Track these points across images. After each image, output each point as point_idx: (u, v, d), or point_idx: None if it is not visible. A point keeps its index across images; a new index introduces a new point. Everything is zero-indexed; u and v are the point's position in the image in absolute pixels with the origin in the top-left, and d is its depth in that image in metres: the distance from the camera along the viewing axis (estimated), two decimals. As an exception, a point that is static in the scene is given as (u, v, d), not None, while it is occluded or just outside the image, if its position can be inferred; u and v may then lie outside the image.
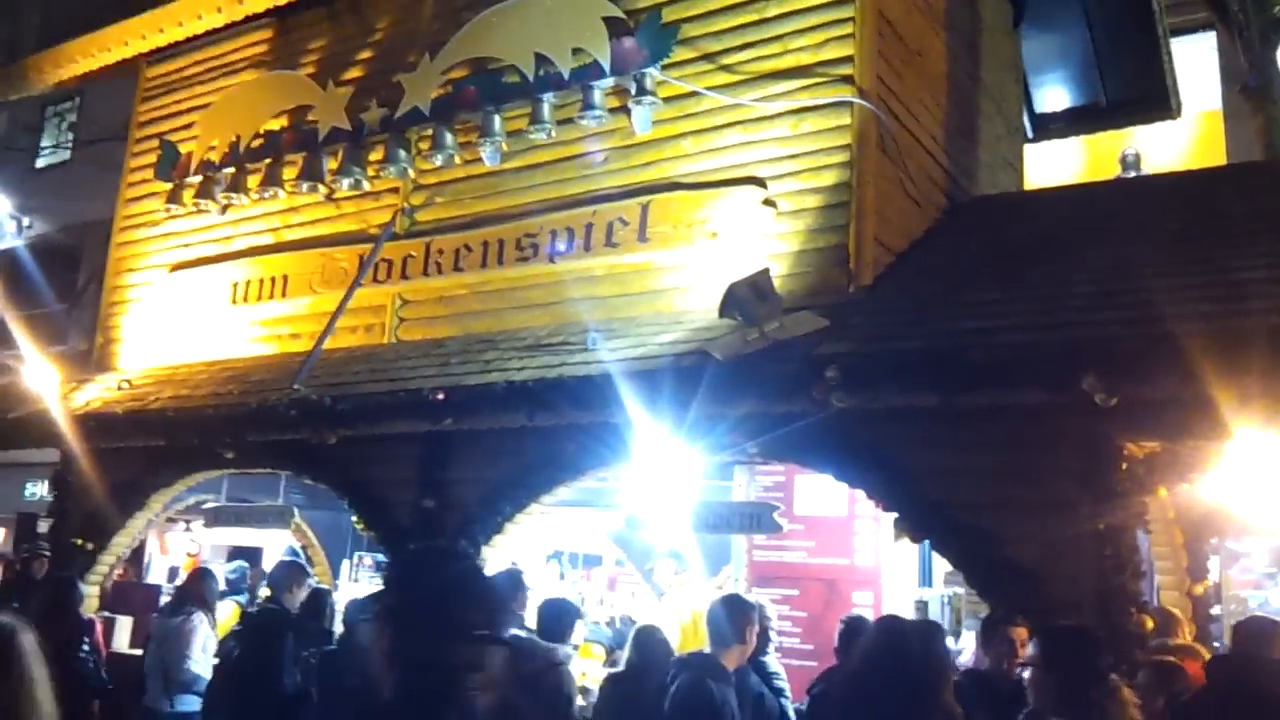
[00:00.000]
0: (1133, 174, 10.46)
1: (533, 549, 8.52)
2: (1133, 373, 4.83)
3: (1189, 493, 6.04)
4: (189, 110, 9.83)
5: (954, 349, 5.21)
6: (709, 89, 6.96)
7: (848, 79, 6.59)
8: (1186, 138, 11.20)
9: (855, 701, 2.98)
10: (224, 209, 9.18)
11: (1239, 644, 4.63)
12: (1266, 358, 4.65)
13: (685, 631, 6.65)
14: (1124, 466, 5.04)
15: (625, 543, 8.33)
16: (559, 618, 5.43)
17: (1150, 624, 5.00)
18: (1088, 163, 11.35)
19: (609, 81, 7.23)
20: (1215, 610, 6.90)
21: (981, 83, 8.09)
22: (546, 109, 7.48)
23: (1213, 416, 4.78)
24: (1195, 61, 10.98)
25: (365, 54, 8.78)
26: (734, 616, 5.00)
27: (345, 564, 9.42)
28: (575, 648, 6.65)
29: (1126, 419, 5.01)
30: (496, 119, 7.68)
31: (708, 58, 7.07)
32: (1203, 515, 6.56)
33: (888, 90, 6.79)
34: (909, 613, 6.86)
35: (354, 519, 7.30)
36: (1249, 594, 7.63)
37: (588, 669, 6.76)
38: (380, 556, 6.93)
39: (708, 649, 5.08)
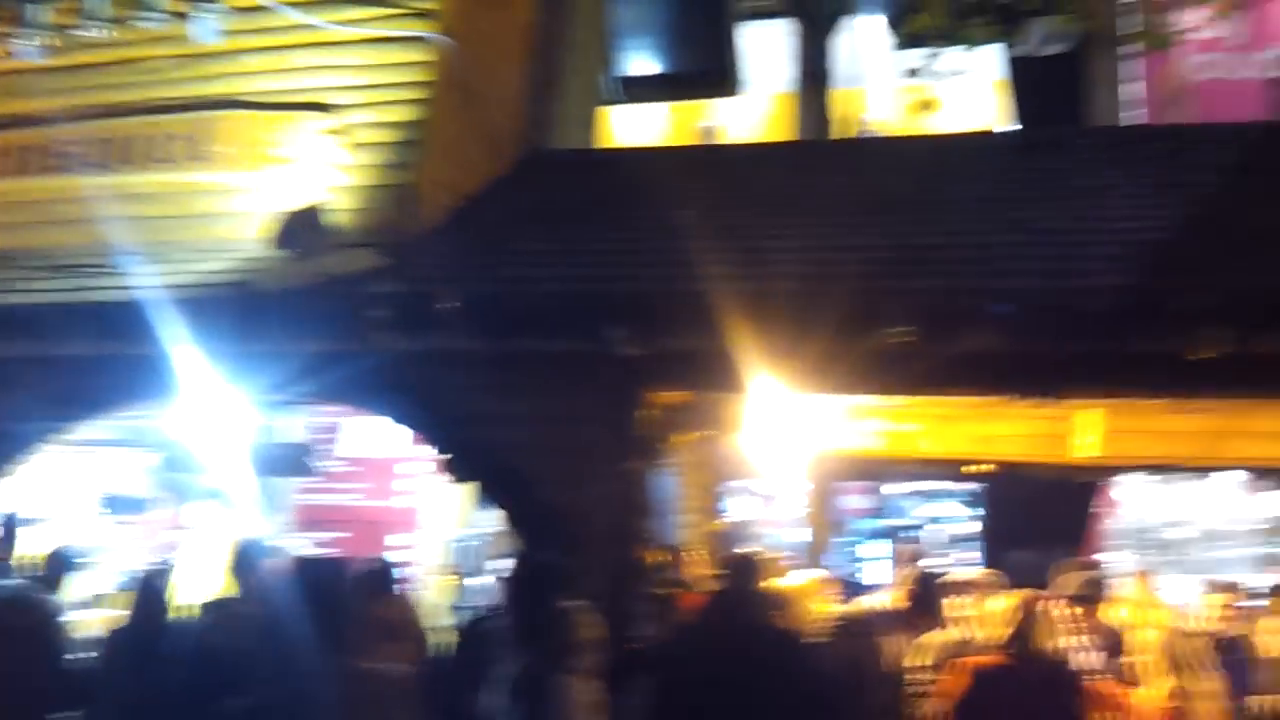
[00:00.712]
0: (710, 143, 11.18)
1: (63, 490, 7.78)
2: (659, 326, 5.16)
3: (716, 438, 6.58)
4: None
5: (499, 296, 5.33)
6: (282, 4, 6.56)
7: (430, 14, 6.47)
8: (764, 115, 12.10)
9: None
10: None
11: (727, 579, 5.09)
12: (783, 319, 5.13)
13: (223, 575, 6.34)
14: (647, 413, 5.37)
15: (167, 484, 7.84)
16: (55, 566, 4.99)
17: (662, 559, 5.39)
18: (676, 128, 11.97)
19: (173, -17, 6.63)
20: (739, 548, 7.59)
21: (568, 38, 8.21)
22: (99, 5, 6.74)
23: (734, 370, 5.20)
24: (776, 44, 11.86)
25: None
26: (254, 560, 4.82)
27: None
28: (96, 596, 6.18)
29: (654, 369, 5.33)
30: (37, 10, 6.82)
31: (286, -29, 6.67)
32: (727, 460, 7.17)
33: (470, 32, 6.72)
34: (442, 553, 7.02)
35: None
36: (773, 532, 8.51)
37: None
38: None
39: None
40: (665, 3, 9.13)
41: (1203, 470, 7.57)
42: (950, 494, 10.37)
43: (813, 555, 7.80)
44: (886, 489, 10.31)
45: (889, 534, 10.18)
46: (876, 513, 10.38)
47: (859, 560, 9.84)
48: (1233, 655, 6.05)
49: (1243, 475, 8.24)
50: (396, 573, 5.83)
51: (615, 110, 9.89)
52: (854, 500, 10.08)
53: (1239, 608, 6.73)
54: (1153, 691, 4.96)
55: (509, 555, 5.19)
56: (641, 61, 9.66)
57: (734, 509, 8.19)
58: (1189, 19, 11.11)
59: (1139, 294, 4.71)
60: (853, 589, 7.01)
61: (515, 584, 3.61)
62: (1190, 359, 4.60)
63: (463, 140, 6.61)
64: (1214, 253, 5.04)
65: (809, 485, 7.99)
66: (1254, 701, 5.85)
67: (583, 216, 6.37)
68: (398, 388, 5.58)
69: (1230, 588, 6.68)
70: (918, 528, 10.34)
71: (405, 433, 5.75)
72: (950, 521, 10.51)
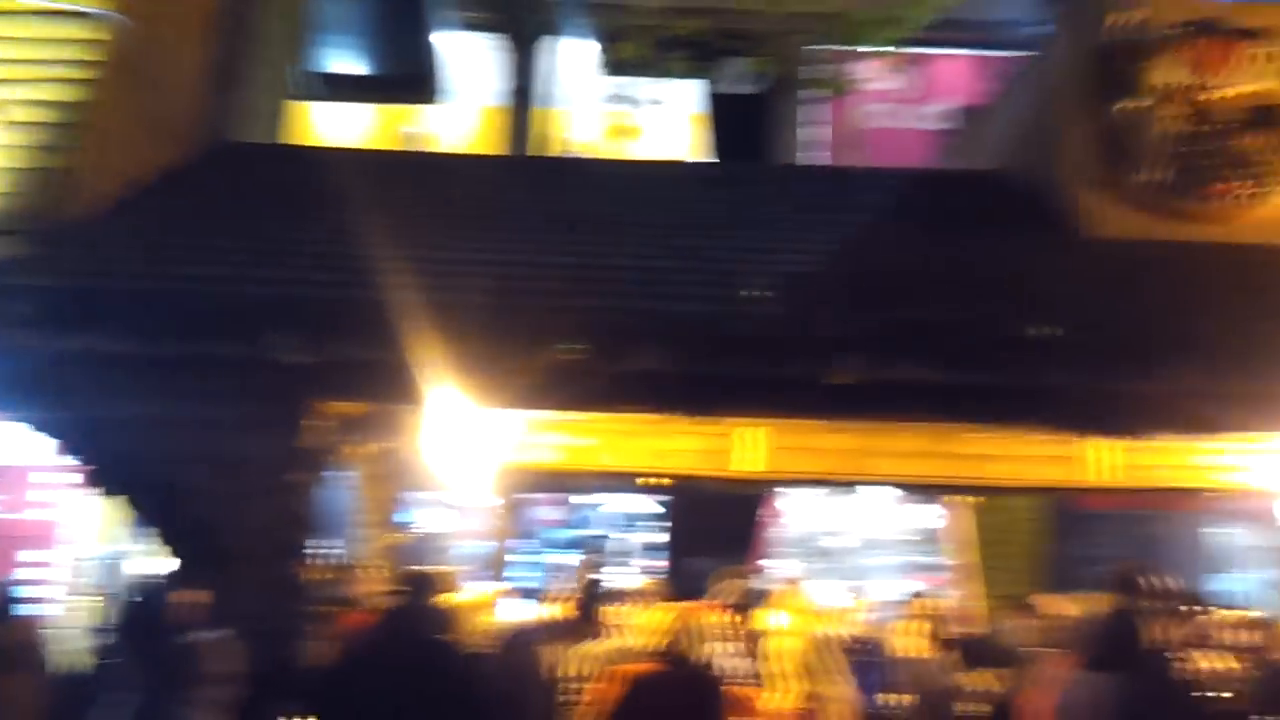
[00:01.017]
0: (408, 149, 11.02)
1: None
2: (333, 334, 5.01)
3: (396, 451, 6.46)
4: None
5: (155, 293, 4.99)
6: (-77, -39, 5.88)
7: (100, -11, 6.00)
8: (472, 127, 12.07)
9: None
10: None
11: (401, 594, 5.01)
12: (464, 331, 5.11)
13: None
14: (317, 424, 5.20)
15: None
16: None
17: (327, 576, 5.23)
18: (381, 132, 11.70)
19: None
20: (415, 563, 7.49)
21: (258, 28, 7.85)
22: None
23: (413, 381, 5.12)
24: (486, 57, 11.87)
25: None
26: None
27: None
28: None
29: (326, 378, 5.16)
30: None
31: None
32: (408, 473, 7.06)
33: (146, 11, 6.29)
34: (82, 572, 6.52)
35: None
36: (459, 544, 8.47)
37: None
38: None
39: None
40: (366, 3, 8.94)
41: (854, 485, 8.22)
42: (639, 505, 10.72)
43: (496, 567, 7.83)
44: (577, 500, 10.52)
45: (578, 544, 10.38)
46: (566, 524, 10.57)
47: (547, 570, 9.97)
48: (872, 657, 6.63)
49: (893, 490, 9.01)
50: (23, 593, 5.34)
51: (316, 108, 9.58)
52: (545, 511, 10.22)
53: (881, 611, 7.39)
54: (788, 695, 5.33)
55: (148, 577, 4.88)
56: (342, 60, 9.40)
57: (419, 521, 8.07)
58: (866, 70, 12.18)
59: (786, 322, 5.06)
60: (536, 599, 7.08)
61: (146, 609, 3.38)
62: (831, 384, 5.00)
63: (132, 126, 6.17)
64: (857, 287, 5.51)
65: (495, 497, 8.01)
66: (888, 699, 6.42)
67: (261, 214, 6.10)
68: (37, 390, 5.11)
69: (873, 593, 7.32)
70: (605, 538, 10.61)
71: (45, 440, 5.28)
72: (639, 531, 10.88)
